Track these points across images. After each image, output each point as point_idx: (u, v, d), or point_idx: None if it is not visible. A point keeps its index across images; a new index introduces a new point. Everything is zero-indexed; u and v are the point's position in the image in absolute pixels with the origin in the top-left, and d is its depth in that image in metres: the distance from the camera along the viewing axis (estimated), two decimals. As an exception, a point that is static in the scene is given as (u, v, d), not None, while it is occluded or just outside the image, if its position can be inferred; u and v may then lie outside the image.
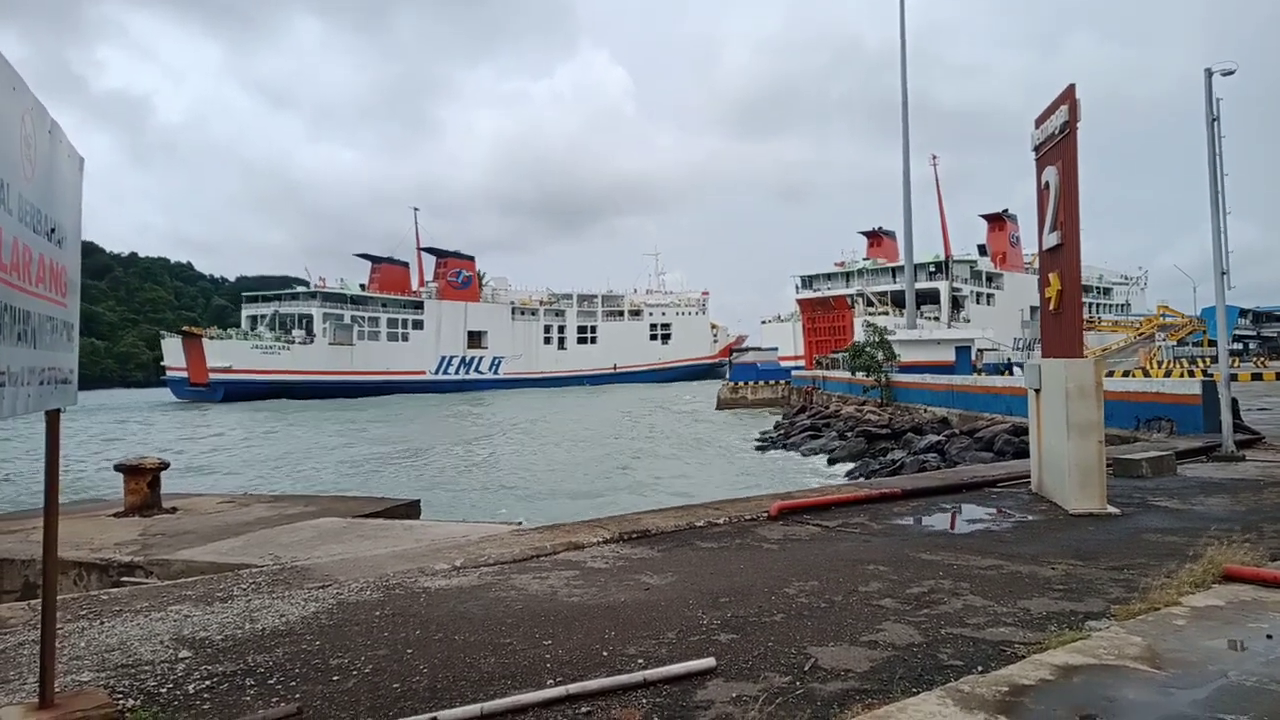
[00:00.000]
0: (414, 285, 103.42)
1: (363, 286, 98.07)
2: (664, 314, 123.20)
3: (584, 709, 3.47)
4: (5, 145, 2.64)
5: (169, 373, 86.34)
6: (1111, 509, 8.13)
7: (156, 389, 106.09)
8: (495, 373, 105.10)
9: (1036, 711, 3.23)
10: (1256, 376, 44.25)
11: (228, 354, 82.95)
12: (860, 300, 71.79)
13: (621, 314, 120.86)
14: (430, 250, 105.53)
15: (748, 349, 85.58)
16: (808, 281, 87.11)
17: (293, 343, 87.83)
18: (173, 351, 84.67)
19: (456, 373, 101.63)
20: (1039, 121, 9.41)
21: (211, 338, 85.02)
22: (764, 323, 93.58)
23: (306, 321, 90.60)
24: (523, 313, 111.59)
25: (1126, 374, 37.17)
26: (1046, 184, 9.13)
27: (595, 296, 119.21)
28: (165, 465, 9.69)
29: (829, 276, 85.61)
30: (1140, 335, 67.23)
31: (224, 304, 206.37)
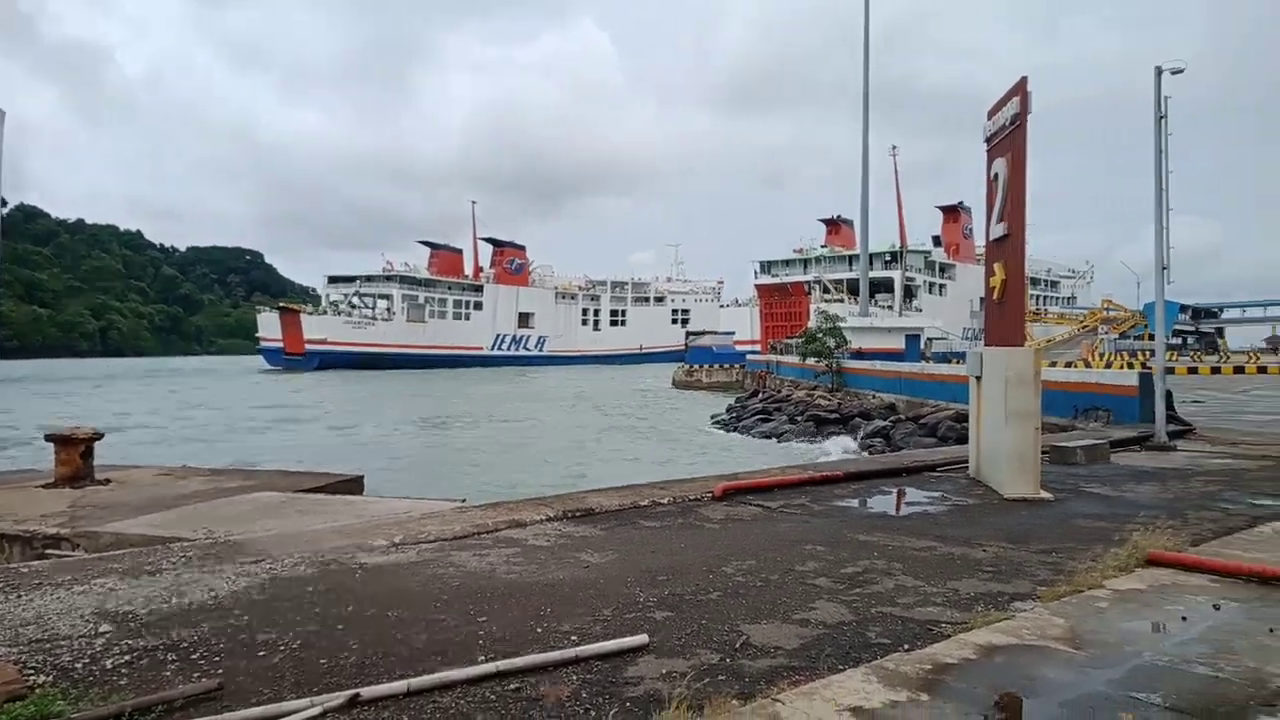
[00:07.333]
0: (467, 270, 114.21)
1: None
2: (684, 300, 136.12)
3: (512, 685, 3.46)
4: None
5: (263, 343, 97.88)
6: (1045, 494, 8.32)
7: (247, 356, 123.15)
8: (540, 350, 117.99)
9: (957, 689, 3.30)
10: (1193, 370, 45.73)
11: (323, 328, 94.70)
12: (817, 287, 72.34)
13: (647, 300, 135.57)
14: (488, 240, 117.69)
15: (703, 332, 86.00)
16: (767, 267, 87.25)
17: (375, 319, 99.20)
18: (268, 324, 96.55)
19: (508, 349, 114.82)
20: (991, 113, 9.51)
21: (309, 313, 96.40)
22: (722, 307, 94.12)
23: (386, 301, 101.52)
24: (564, 297, 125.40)
25: (1069, 365, 38.12)
26: (996, 175, 9.25)
27: (625, 284, 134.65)
28: (98, 435, 9.43)
29: (788, 263, 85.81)
30: (1084, 328, 68.90)
31: (173, 274, 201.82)
